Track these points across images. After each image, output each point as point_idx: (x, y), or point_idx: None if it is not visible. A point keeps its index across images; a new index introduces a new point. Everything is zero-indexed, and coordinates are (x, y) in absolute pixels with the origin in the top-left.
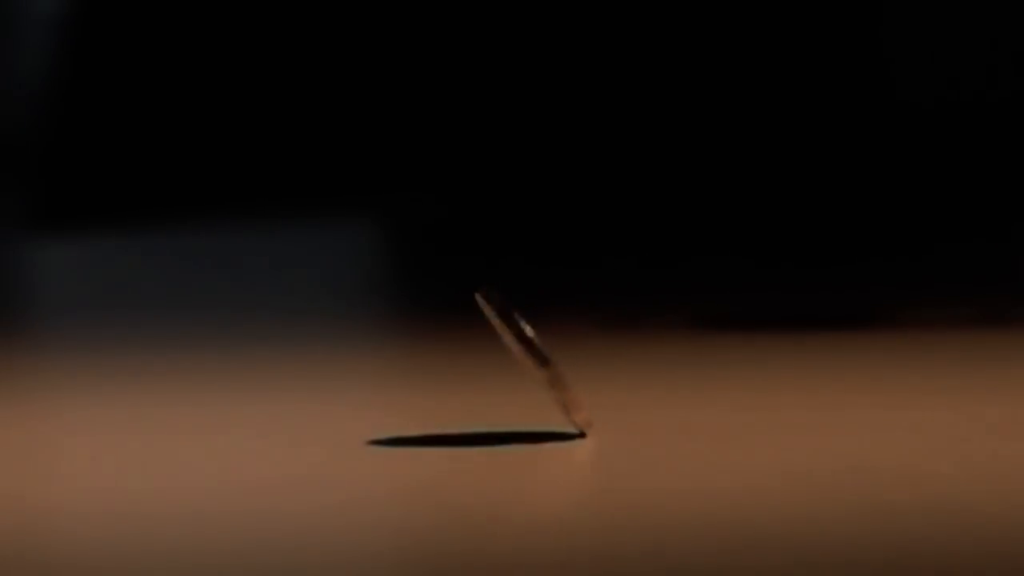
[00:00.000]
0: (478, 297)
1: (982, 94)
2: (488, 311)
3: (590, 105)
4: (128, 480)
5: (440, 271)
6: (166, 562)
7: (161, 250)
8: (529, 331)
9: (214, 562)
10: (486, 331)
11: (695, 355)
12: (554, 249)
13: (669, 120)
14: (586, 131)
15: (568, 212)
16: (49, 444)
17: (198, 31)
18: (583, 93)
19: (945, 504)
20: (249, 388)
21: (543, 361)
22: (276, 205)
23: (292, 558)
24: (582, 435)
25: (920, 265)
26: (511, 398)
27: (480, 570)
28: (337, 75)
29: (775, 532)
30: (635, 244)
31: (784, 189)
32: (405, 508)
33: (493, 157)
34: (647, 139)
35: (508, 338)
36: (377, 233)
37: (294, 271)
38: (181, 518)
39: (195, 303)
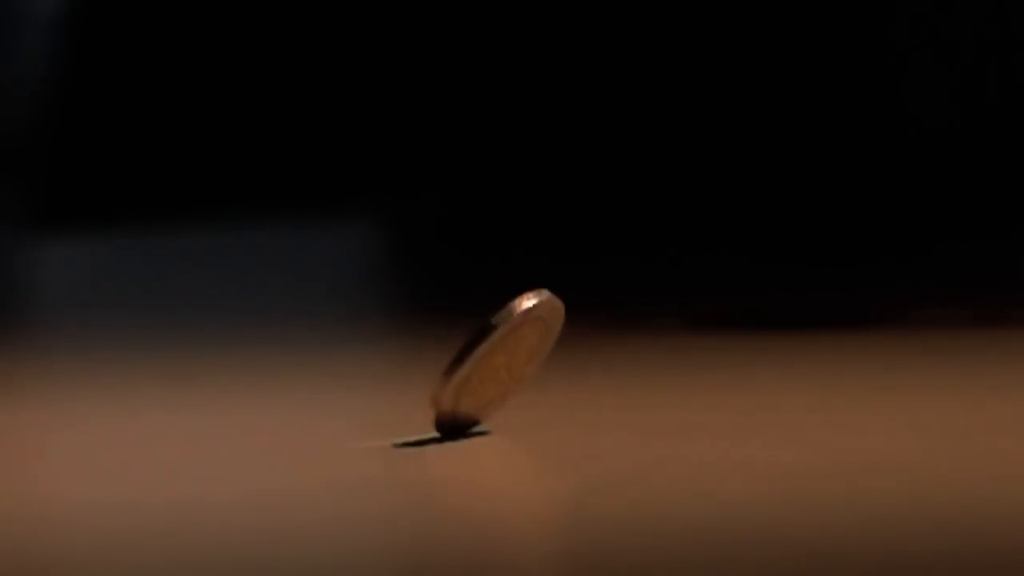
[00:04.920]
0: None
1: (982, 94)
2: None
3: (591, 105)
4: (127, 480)
5: (441, 271)
6: (162, 562)
7: (161, 250)
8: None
9: (207, 562)
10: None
11: (695, 355)
12: (553, 249)
13: (670, 120)
14: (587, 132)
15: (567, 212)
16: (47, 444)
17: (198, 31)
18: (582, 93)
19: (945, 504)
20: (247, 388)
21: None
22: (276, 205)
23: (275, 557)
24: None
25: (920, 265)
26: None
27: (469, 570)
28: (338, 75)
29: (774, 532)
30: (635, 243)
31: (784, 189)
32: (406, 506)
33: (494, 157)
34: (648, 139)
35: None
36: (378, 233)
37: (294, 271)
38: (177, 519)
39: (195, 303)
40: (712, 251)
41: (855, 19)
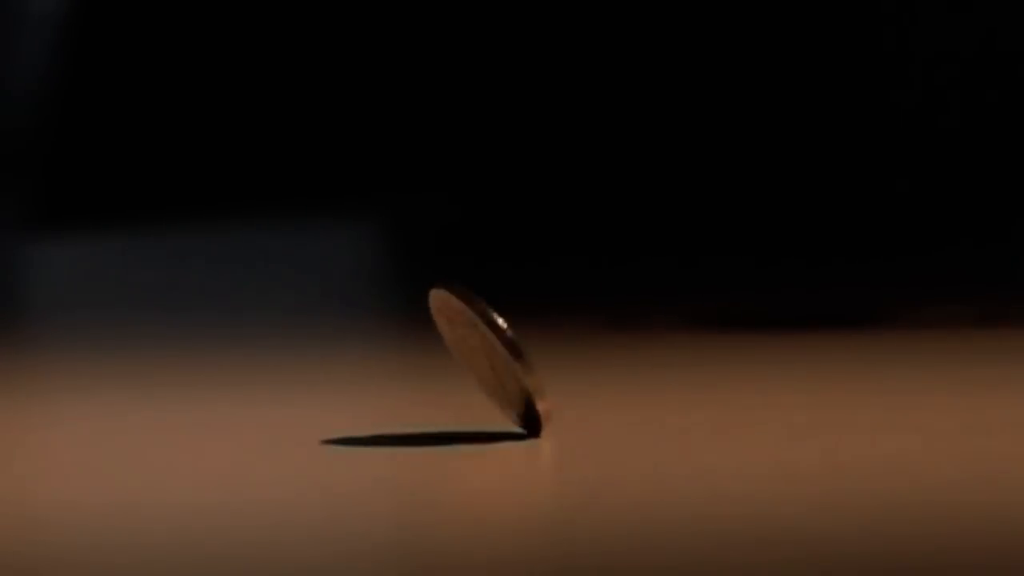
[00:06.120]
0: (437, 293)
1: (982, 94)
2: (451, 303)
3: (592, 106)
4: (127, 480)
5: (441, 270)
6: (162, 564)
7: (161, 250)
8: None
9: (209, 563)
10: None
11: (694, 355)
12: (553, 249)
13: (670, 120)
14: (587, 132)
15: (567, 212)
16: (46, 444)
17: (198, 31)
18: (583, 94)
19: (945, 504)
20: (247, 388)
21: (516, 352)
22: (276, 205)
23: (276, 558)
24: (534, 431)
25: (920, 265)
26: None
27: (469, 571)
28: (339, 75)
29: (774, 532)
30: (636, 244)
31: (784, 189)
32: (406, 507)
33: (494, 157)
34: (648, 139)
35: (472, 329)
36: (378, 233)
37: (294, 271)
38: (177, 520)
39: (195, 303)
40: (712, 251)
41: (854, 20)
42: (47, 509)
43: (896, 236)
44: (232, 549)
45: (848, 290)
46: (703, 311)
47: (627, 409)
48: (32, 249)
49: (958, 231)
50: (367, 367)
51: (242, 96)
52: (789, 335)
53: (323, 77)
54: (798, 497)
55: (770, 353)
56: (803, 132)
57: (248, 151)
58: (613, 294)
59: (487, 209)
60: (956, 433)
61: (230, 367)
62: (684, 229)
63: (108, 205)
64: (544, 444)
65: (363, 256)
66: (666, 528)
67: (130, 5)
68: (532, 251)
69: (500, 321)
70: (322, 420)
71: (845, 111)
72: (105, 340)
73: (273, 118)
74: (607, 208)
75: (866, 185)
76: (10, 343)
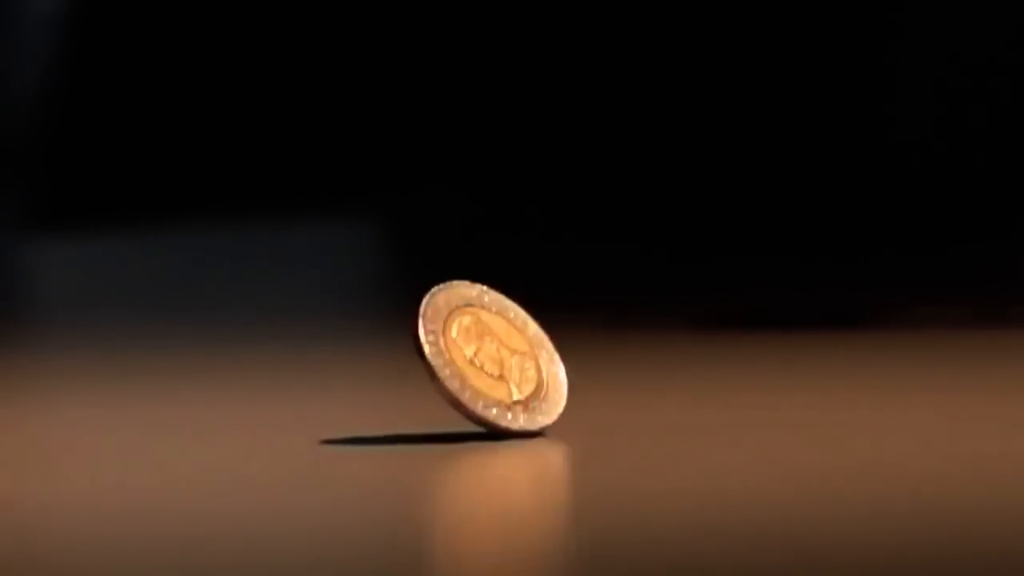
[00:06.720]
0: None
1: (983, 94)
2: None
3: (592, 105)
4: (125, 480)
5: (441, 270)
6: (163, 564)
7: (161, 250)
8: (428, 347)
9: (209, 564)
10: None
11: (695, 355)
12: (553, 248)
13: (670, 120)
14: (588, 132)
15: (567, 211)
16: (46, 444)
17: (198, 31)
18: (585, 93)
19: (945, 504)
20: (247, 387)
21: (430, 375)
22: (277, 205)
23: (276, 558)
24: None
25: (920, 264)
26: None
27: (469, 572)
28: (338, 74)
29: (774, 532)
30: (636, 244)
31: (784, 189)
32: (406, 508)
33: (494, 157)
34: (649, 140)
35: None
36: (378, 231)
37: (294, 271)
38: (177, 520)
39: (195, 303)
40: (712, 251)
41: (856, 22)
42: (47, 509)
43: (894, 236)
44: (232, 548)
45: (847, 290)
46: (703, 311)
47: (627, 409)
48: (32, 249)
49: (957, 231)
50: (367, 367)
51: (242, 96)
52: (789, 335)
53: (323, 77)
54: (798, 497)
55: (770, 353)
56: (802, 133)
57: (249, 151)
58: (613, 293)
59: (487, 209)
60: (955, 433)
61: (230, 366)
62: (684, 229)
63: (108, 205)
64: (545, 444)
65: (363, 256)
66: (666, 528)
67: (130, 5)
68: (532, 250)
69: (427, 349)
70: (322, 420)
71: (845, 111)
72: (105, 340)
73: (274, 118)
74: (607, 208)
75: (865, 186)
76: (10, 343)
